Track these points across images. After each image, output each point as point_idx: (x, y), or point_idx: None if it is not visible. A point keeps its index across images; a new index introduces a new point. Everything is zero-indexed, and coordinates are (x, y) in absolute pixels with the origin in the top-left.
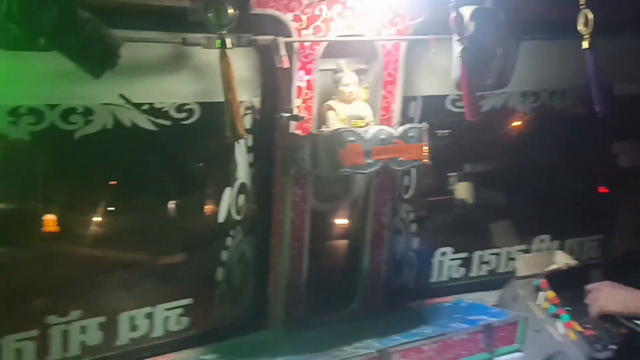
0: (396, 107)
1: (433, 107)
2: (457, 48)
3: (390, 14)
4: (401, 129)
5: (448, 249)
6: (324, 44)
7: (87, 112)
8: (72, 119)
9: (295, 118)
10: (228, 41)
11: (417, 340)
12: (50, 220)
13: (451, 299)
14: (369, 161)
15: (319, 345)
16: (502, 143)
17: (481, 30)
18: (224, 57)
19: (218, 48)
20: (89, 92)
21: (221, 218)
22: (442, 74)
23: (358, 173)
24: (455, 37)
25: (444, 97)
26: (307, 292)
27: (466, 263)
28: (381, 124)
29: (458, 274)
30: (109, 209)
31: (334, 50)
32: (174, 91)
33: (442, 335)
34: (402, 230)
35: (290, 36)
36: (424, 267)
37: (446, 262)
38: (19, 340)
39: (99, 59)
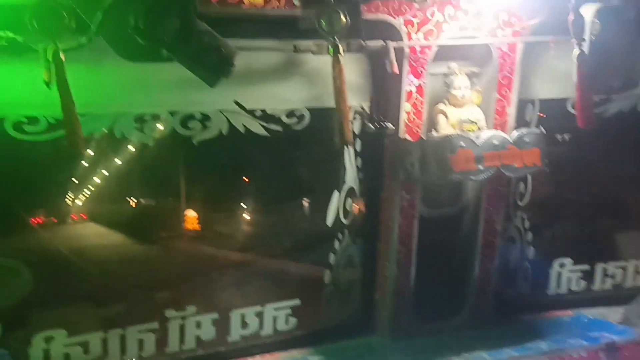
0: (511, 110)
1: (552, 111)
2: (575, 51)
3: (505, 15)
4: (516, 133)
5: (567, 260)
6: (435, 48)
7: (205, 118)
8: (190, 124)
9: (384, 128)
10: (340, 47)
11: (531, 355)
12: (165, 220)
13: (570, 313)
14: (480, 167)
15: (426, 354)
16: (631, 148)
17: (607, 30)
18: (336, 63)
19: (330, 54)
20: (206, 99)
21: (329, 221)
22: (562, 75)
23: (469, 179)
24: (574, 39)
25: (565, 100)
26: (414, 298)
27: (587, 276)
28: (494, 129)
29: (578, 287)
30: (221, 211)
31: (446, 53)
32: (285, 97)
33: (559, 351)
34: (516, 239)
35: (400, 40)
36: (540, 278)
37: (565, 274)
38: (141, 332)
39: (215, 67)
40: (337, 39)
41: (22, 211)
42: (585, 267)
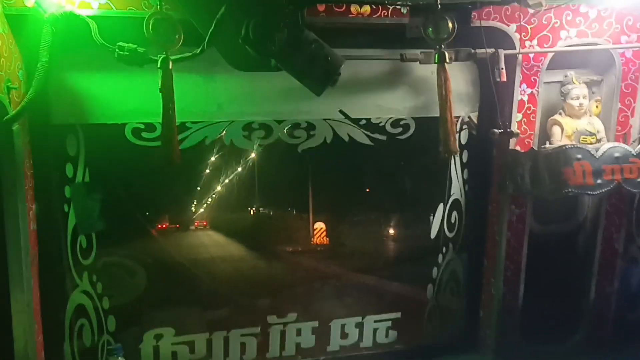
0: (635, 122)
1: None
2: None
3: (630, 19)
4: None
5: None
6: (550, 55)
7: (310, 126)
8: (296, 133)
9: (510, 134)
10: (447, 55)
11: None
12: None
13: None
14: (599, 181)
15: None
16: None
17: None
18: (441, 71)
19: (436, 63)
20: (311, 108)
21: (433, 234)
22: None
23: (586, 194)
24: None
25: None
26: (522, 318)
27: None
28: (616, 141)
29: None
30: (326, 220)
31: (562, 61)
32: (390, 106)
33: None
34: (639, 260)
35: (513, 48)
36: None
37: None
38: (243, 335)
39: (321, 76)
40: (443, 47)
41: (138, 213)
42: None
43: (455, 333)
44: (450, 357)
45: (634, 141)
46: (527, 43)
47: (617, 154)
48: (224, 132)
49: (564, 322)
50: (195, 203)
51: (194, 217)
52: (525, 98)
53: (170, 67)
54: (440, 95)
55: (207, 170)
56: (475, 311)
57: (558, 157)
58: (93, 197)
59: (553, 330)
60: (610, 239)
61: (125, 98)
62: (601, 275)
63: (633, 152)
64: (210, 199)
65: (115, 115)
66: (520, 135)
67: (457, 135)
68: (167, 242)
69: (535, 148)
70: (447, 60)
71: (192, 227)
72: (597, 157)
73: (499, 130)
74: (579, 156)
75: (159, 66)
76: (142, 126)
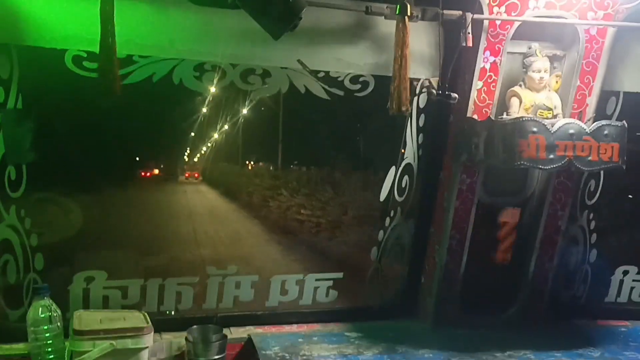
0: (592, 101)
1: (636, 107)
2: None
3: None
4: (595, 125)
5: (632, 268)
6: (516, 24)
7: (265, 73)
8: (250, 79)
9: (447, 97)
10: (408, 8)
11: None
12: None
13: (627, 323)
14: (551, 156)
15: (468, 346)
16: None
17: None
18: (401, 24)
19: (397, 14)
20: (269, 54)
21: (382, 197)
22: None
23: (537, 168)
24: None
25: None
26: (462, 288)
27: None
28: (572, 118)
29: None
30: (273, 172)
31: (528, 31)
32: (351, 61)
33: None
34: (579, 240)
35: (481, 13)
36: (599, 284)
37: (627, 283)
38: (180, 284)
39: (280, 18)
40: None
41: (76, 147)
42: None
43: (395, 298)
44: (388, 321)
45: (588, 120)
46: (495, 9)
47: (571, 131)
48: (174, 69)
49: (502, 294)
50: (143, 142)
51: (137, 157)
52: (488, 66)
53: None
54: (397, 49)
55: (153, 109)
56: (417, 277)
57: (514, 129)
58: (25, 125)
59: (491, 302)
60: (554, 216)
61: (67, 22)
62: (542, 251)
63: (587, 130)
64: (154, 138)
65: (55, 39)
66: (478, 103)
67: (409, 94)
68: (108, 181)
69: (493, 118)
70: (409, 13)
71: (139, 173)
72: (552, 132)
73: (437, 91)
74: (535, 129)
75: None
76: (84, 54)
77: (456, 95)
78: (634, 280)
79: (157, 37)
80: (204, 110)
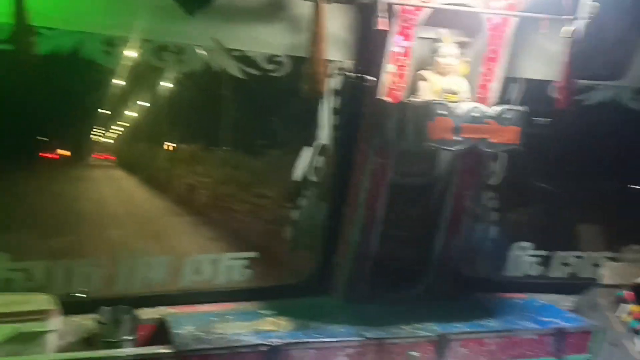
0: (494, 86)
1: (535, 93)
2: (567, 28)
3: None
4: (497, 108)
5: (528, 244)
6: (427, 11)
7: (179, 51)
8: (164, 56)
9: (361, 79)
10: None
11: (480, 332)
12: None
13: (524, 296)
14: (457, 138)
15: (378, 320)
16: (607, 141)
17: (604, 14)
18: (316, 6)
19: None
20: (183, 30)
21: (297, 177)
22: (551, 58)
23: (444, 149)
24: (567, 16)
25: (549, 82)
26: (373, 265)
27: (545, 262)
28: (477, 102)
29: (535, 271)
30: (187, 153)
31: (437, 18)
32: (267, 40)
33: (509, 332)
34: (481, 218)
35: None
36: (498, 259)
37: (524, 258)
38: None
39: None
40: None
41: None
42: (544, 253)
43: (309, 276)
44: (302, 299)
45: (490, 105)
46: None
47: (475, 114)
48: (81, 44)
49: (410, 271)
50: (48, 121)
51: (41, 137)
52: (400, 50)
53: None
54: (311, 32)
55: (53, 82)
56: (330, 256)
57: (423, 111)
58: None
59: (400, 278)
60: (459, 196)
61: None
62: (448, 230)
63: (490, 113)
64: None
65: None
66: (390, 86)
67: (323, 76)
68: (9, 162)
69: (404, 100)
70: None
71: (42, 153)
72: (457, 114)
73: (351, 74)
74: (442, 112)
75: None
76: None
77: (371, 78)
78: (529, 256)
79: (63, 9)
80: (114, 87)
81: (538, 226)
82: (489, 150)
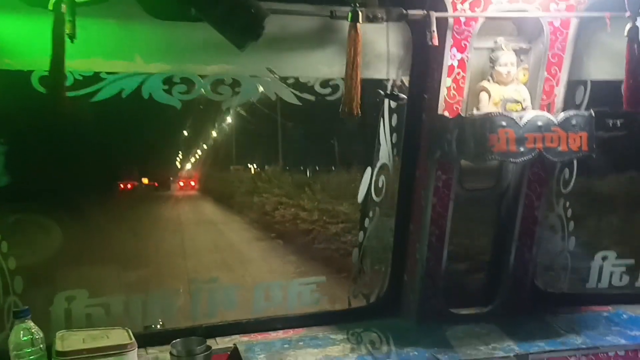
0: (560, 91)
1: (605, 94)
2: (629, 25)
3: None
4: (562, 115)
5: (610, 253)
6: (481, 20)
7: (235, 83)
8: (220, 89)
9: (395, 98)
10: (360, 15)
11: (563, 350)
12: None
13: (609, 309)
14: (522, 149)
15: (453, 341)
16: None
17: None
18: (352, 30)
19: (349, 21)
20: (237, 64)
21: (360, 198)
22: (618, 56)
23: (508, 161)
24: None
25: (620, 82)
26: (444, 283)
27: (631, 271)
28: (540, 110)
29: (620, 282)
30: (255, 181)
31: (493, 27)
32: (319, 66)
33: (594, 349)
34: (557, 228)
35: (445, 10)
36: (579, 271)
37: (607, 268)
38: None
39: (243, 29)
40: (357, 5)
41: (50, 167)
42: (630, 261)
43: (379, 297)
44: (373, 321)
45: (557, 111)
46: (459, 6)
47: (540, 123)
48: (142, 84)
49: (484, 287)
50: (119, 157)
51: (114, 172)
52: (455, 63)
53: (63, 10)
54: (348, 54)
55: (124, 124)
56: (400, 276)
57: (483, 124)
58: None
59: (473, 295)
60: (530, 207)
61: (32, 43)
62: (520, 243)
63: (555, 121)
64: (137, 153)
65: (21, 61)
66: (448, 100)
67: (359, 99)
68: (86, 198)
69: (463, 114)
70: (360, 20)
71: (118, 187)
72: (520, 125)
73: (386, 92)
74: (504, 123)
75: (50, 8)
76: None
77: (404, 96)
78: (613, 265)
79: (123, 54)
80: (177, 123)
81: (620, 233)
82: (557, 159)
